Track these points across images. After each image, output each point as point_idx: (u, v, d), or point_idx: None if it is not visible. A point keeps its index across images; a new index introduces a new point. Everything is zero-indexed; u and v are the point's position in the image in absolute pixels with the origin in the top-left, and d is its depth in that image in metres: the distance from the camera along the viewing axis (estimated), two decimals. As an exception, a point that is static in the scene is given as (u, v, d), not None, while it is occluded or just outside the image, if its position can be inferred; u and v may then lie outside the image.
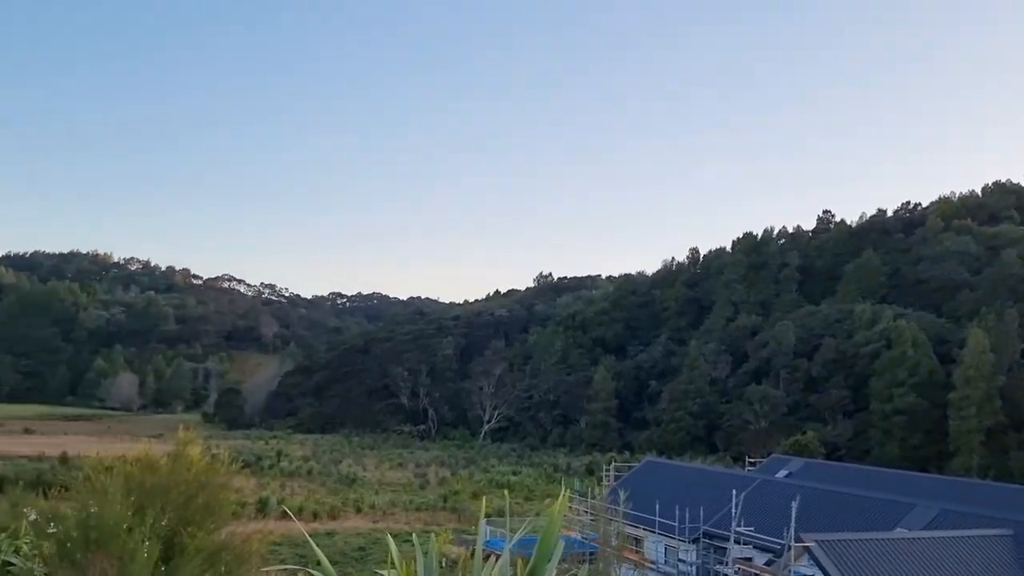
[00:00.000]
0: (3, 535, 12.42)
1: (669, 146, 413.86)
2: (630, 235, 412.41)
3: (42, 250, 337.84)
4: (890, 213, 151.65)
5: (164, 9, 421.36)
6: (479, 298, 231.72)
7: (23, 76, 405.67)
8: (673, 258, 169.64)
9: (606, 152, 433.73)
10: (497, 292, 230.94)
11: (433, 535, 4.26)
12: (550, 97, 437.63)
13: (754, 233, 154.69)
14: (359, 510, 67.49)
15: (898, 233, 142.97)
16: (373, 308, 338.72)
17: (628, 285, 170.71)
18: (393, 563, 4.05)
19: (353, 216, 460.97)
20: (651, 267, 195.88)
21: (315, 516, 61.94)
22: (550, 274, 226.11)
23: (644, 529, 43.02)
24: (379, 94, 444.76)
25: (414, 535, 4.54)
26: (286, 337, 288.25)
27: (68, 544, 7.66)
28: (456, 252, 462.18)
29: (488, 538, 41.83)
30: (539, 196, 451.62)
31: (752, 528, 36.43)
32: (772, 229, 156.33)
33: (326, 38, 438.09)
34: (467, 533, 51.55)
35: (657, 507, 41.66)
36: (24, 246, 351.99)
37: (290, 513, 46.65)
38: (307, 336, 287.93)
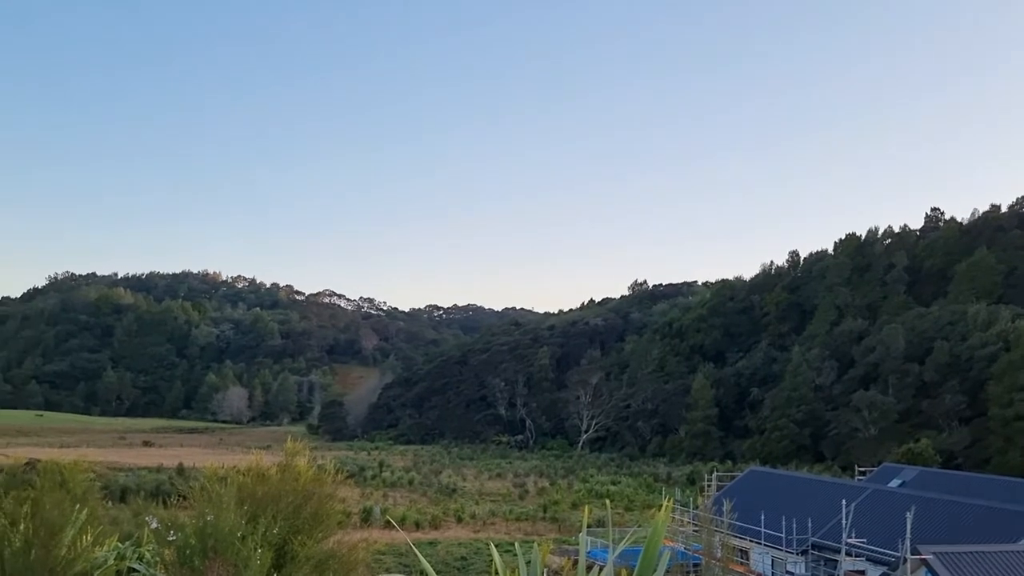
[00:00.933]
0: (128, 542, 13.11)
1: (763, 148, 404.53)
2: (726, 240, 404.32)
3: (157, 271, 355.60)
4: (1004, 208, 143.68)
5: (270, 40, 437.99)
6: (574, 307, 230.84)
7: (138, 111, 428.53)
8: (772, 262, 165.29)
9: (699, 157, 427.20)
10: (592, 301, 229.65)
11: (536, 544, 4.25)
12: (644, 102, 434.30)
13: (857, 234, 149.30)
14: (460, 520, 68.09)
15: (1014, 229, 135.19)
16: (469, 320, 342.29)
17: (726, 291, 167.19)
18: (497, 572, 4.07)
19: (448, 229, 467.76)
20: (749, 272, 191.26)
21: (417, 526, 62.79)
22: (645, 281, 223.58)
23: (750, 540, 41.91)
24: (473, 105, 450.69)
25: (516, 545, 4.55)
26: (385, 350, 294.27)
27: (187, 551, 8.01)
28: (550, 262, 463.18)
29: (589, 548, 41.58)
30: (632, 203, 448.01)
31: (864, 540, 35.02)
32: (876, 229, 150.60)
33: (427, 43, 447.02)
34: (567, 543, 51.37)
35: (763, 518, 40.53)
36: (140, 268, 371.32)
37: (395, 523, 47.38)
38: (406, 348, 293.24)
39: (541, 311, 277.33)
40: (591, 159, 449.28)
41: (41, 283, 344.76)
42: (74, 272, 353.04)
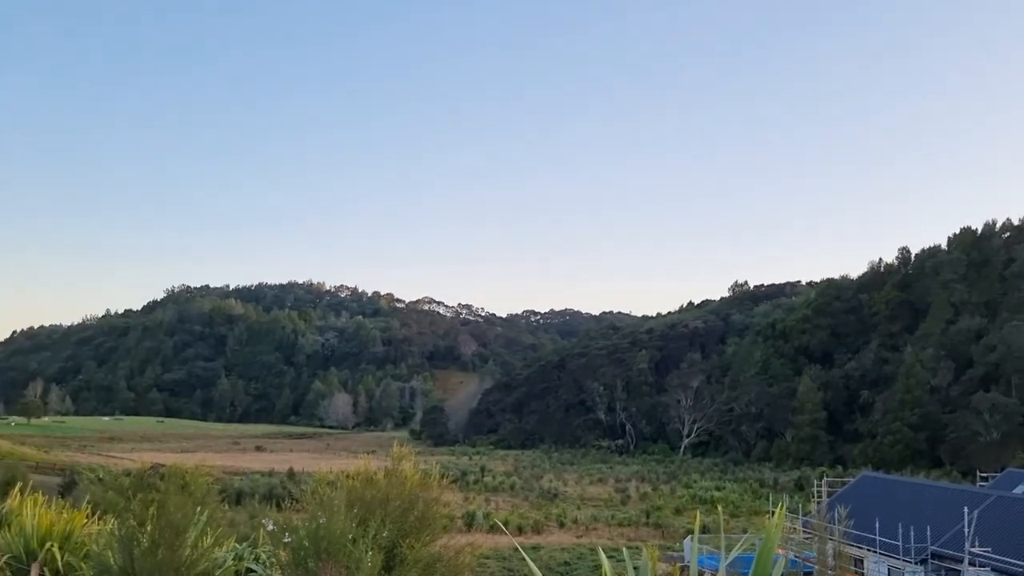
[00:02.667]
0: (245, 544, 13.63)
1: (867, 142, 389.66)
2: (830, 237, 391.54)
3: (265, 282, 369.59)
4: None
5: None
6: (672, 310, 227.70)
7: (242, 125, 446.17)
8: (880, 259, 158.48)
9: (798, 154, 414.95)
10: (691, 303, 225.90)
11: (645, 550, 4.20)
12: (741, 99, 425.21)
13: (973, 228, 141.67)
14: (562, 525, 67.95)
15: None
16: (566, 324, 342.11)
17: (831, 290, 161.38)
18: (606, 577, 4.04)
19: (543, 234, 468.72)
20: (855, 270, 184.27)
21: (520, 530, 62.98)
22: (745, 282, 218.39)
23: (867, 549, 40.32)
24: (571, 107, 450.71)
25: (624, 550, 4.51)
26: (484, 355, 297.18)
27: (301, 553, 8.27)
28: (647, 264, 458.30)
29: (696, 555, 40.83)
30: (730, 203, 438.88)
31: (988, 549, 33.18)
32: (994, 223, 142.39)
33: (536, 43, 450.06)
34: (671, 550, 50.56)
35: (878, 525, 38.93)
36: (250, 279, 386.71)
37: (503, 527, 47.64)
38: (504, 354, 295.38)
39: (639, 314, 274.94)
40: (687, 161, 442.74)
41: (160, 296, 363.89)
42: (189, 285, 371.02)
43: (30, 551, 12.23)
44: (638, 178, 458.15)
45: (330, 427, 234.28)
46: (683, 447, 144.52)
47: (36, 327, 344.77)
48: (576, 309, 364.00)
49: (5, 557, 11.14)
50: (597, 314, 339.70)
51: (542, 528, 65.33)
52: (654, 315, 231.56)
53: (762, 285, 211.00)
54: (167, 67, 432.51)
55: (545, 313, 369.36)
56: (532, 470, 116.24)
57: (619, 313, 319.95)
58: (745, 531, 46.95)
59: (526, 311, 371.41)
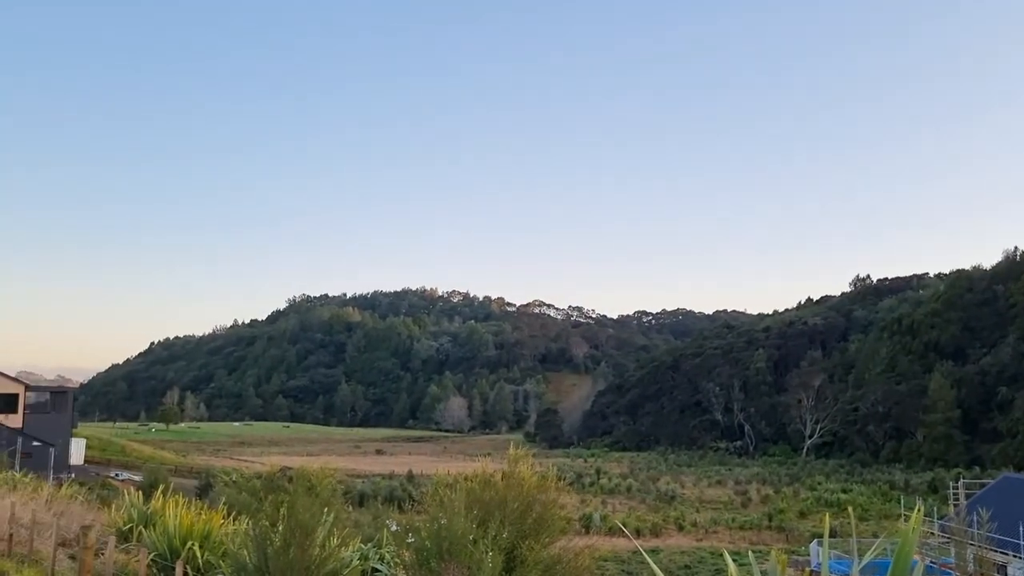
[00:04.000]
0: (369, 544, 14.06)
1: (996, 121, 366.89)
2: (958, 226, 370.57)
3: (381, 290, 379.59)
4: None
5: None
6: (790, 307, 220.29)
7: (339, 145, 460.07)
8: (1016, 247, 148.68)
9: (920, 139, 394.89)
10: (809, 300, 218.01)
11: (774, 553, 4.09)
12: (860, 83, 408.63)
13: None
14: (681, 528, 66.87)
15: None
16: (679, 324, 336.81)
17: (962, 282, 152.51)
18: (733, 581, 3.95)
19: (654, 233, 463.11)
20: (989, 259, 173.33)
21: (638, 533, 62.32)
22: (868, 276, 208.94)
23: (1011, 555, 37.91)
24: (680, 105, 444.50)
25: (750, 553, 4.40)
26: (596, 357, 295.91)
27: (424, 553, 8.45)
28: (762, 261, 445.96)
29: (822, 560, 39.39)
30: (849, 194, 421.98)
31: None
32: None
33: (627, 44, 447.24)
34: (796, 554, 48.91)
35: (1022, 529, 36.54)
36: (366, 287, 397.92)
37: (624, 530, 47.30)
38: (616, 355, 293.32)
39: (754, 312, 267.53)
40: (803, 152, 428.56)
41: (282, 306, 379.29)
42: (309, 294, 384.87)
43: (173, 549, 13.00)
44: (751, 172, 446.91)
45: (446, 430, 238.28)
46: (805, 448, 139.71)
47: (171, 338, 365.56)
48: (689, 308, 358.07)
49: (152, 555, 11.86)
50: (711, 313, 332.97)
51: (660, 531, 64.45)
52: (770, 313, 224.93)
53: (886, 279, 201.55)
54: (296, 80, 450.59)
55: (657, 313, 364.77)
56: (648, 472, 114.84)
57: (733, 312, 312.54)
58: (876, 535, 44.99)
59: (637, 312, 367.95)
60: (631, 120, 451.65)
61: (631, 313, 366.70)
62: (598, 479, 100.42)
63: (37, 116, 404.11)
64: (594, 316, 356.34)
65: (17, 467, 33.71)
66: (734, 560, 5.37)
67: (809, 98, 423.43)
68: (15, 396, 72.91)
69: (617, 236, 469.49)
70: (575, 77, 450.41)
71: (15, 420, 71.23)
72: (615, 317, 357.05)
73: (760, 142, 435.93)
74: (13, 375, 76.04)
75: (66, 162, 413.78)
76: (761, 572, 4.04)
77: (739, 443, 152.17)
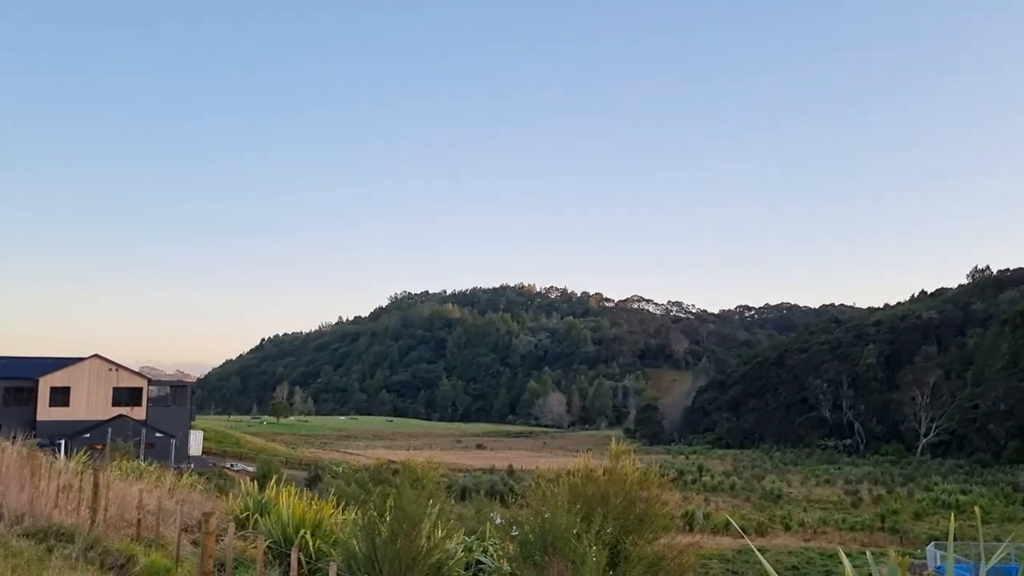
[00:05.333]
0: (473, 537, 14.27)
1: None
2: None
3: (479, 286, 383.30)
4: None
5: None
6: (902, 300, 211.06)
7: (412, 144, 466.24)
8: None
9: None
10: (923, 292, 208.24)
11: (893, 554, 3.95)
12: (982, 67, 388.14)
13: None
14: (788, 528, 65.11)
15: None
16: (783, 319, 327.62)
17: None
18: (849, 582, 3.84)
19: (756, 226, 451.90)
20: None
21: (742, 532, 61.06)
22: (987, 268, 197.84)
23: None
24: (788, 95, 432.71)
25: (867, 554, 4.26)
26: (697, 353, 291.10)
27: (528, 546, 8.53)
28: (870, 253, 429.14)
29: (939, 564, 37.71)
30: (966, 179, 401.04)
31: None
32: None
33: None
34: (913, 557, 46.92)
35: None
36: (465, 284, 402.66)
37: (737, 527, 46.45)
38: (718, 351, 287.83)
39: (864, 306, 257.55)
40: (916, 129, 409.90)
41: (384, 303, 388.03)
42: (411, 291, 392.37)
43: (287, 536, 13.54)
44: (858, 157, 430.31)
45: (545, 426, 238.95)
46: (920, 447, 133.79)
47: (280, 335, 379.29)
48: (793, 303, 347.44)
49: (268, 541, 12.39)
50: (817, 307, 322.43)
51: (766, 530, 62.94)
52: (881, 306, 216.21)
53: (1007, 270, 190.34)
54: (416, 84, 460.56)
55: (760, 307, 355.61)
56: (752, 470, 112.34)
57: (841, 305, 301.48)
58: (999, 539, 42.73)
59: (739, 306, 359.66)
60: (732, 110, 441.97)
61: (733, 307, 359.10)
62: (700, 476, 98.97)
63: (165, 115, 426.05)
64: (694, 311, 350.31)
65: (142, 457, 35.67)
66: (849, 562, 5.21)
67: (930, 81, 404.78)
68: (139, 390, 77.21)
69: (718, 229, 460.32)
70: (671, 72, 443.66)
71: (139, 413, 75.44)
72: (716, 312, 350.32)
73: (872, 124, 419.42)
74: (136, 370, 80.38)
75: (186, 164, 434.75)
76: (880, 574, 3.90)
77: (848, 441, 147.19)
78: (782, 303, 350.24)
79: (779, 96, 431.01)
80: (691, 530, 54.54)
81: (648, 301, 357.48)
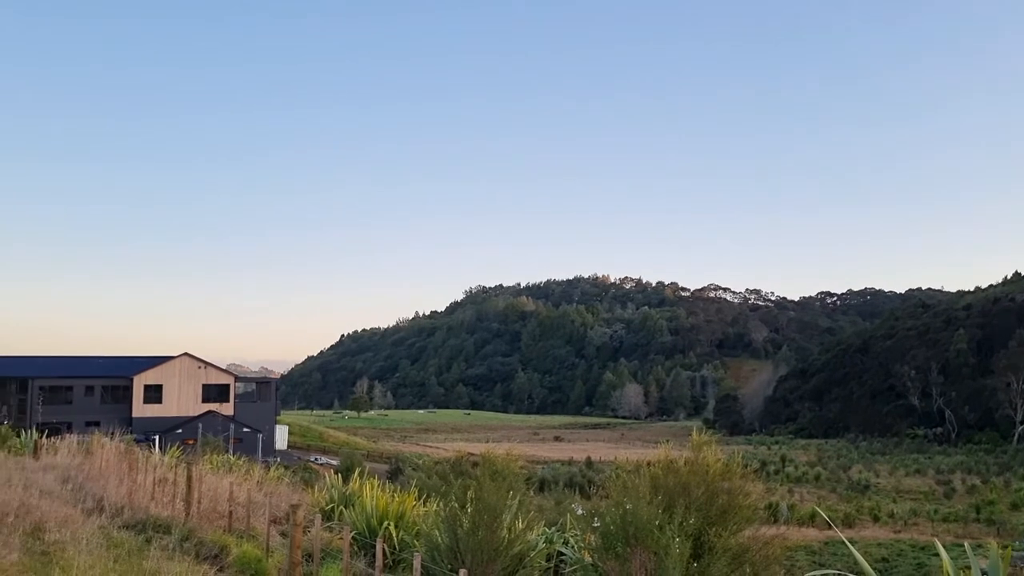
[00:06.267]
0: (553, 528, 14.30)
1: None
2: None
3: (553, 279, 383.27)
4: None
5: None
6: (994, 282, 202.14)
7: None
8: None
9: None
10: (1017, 274, 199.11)
11: (994, 545, 3.79)
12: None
13: None
14: (876, 519, 63.36)
15: None
16: (867, 304, 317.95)
17: None
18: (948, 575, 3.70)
19: (836, 210, 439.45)
20: None
21: (829, 524, 59.67)
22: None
23: None
24: (872, 80, 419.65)
25: (966, 545, 4.11)
26: (777, 341, 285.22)
27: (610, 537, 8.49)
28: (960, 233, 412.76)
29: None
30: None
31: None
32: None
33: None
34: (1012, 548, 45.04)
35: None
36: (538, 277, 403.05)
37: (827, 519, 45.48)
38: (798, 339, 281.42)
39: (952, 289, 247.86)
40: (1009, 105, 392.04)
41: (459, 297, 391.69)
42: (485, 285, 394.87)
43: (371, 528, 13.82)
44: (942, 138, 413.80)
45: (623, 417, 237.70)
46: (1016, 435, 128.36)
47: (359, 331, 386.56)
48: (877, 288, 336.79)
49: (353, 532, 12.66)
50: (902, 292, 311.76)
51: (853, 522, 61.38)
52: (971, 290, 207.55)
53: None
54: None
55: (842, 294, 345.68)
56: (838, 460, 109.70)
57: (928, 290, 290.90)
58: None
59: (821, 293, 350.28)
60: (815, 95, 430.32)
61: (814, 294, 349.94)
62: (783, 467, 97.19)
63: (251, 109, 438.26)
64: (773, 299, 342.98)
65: (230, 451, 36.88)
66: (937, 555, 5.01)
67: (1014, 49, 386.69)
68: (227, 387, 79.84)
69: (795, 214, 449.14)
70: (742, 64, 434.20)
71: (227, 408, 78.01)
72: (796, 299, 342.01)
73: (961, 105, 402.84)
74: (223, 367, 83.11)
75: (262, 165, 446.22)
76: (981, 570, 3.72)
77: (939, 430, 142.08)
78: (865, 288, 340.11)
79: (861, 78, 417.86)
80: (775, 522, 53.49)
81: (725, 289, 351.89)
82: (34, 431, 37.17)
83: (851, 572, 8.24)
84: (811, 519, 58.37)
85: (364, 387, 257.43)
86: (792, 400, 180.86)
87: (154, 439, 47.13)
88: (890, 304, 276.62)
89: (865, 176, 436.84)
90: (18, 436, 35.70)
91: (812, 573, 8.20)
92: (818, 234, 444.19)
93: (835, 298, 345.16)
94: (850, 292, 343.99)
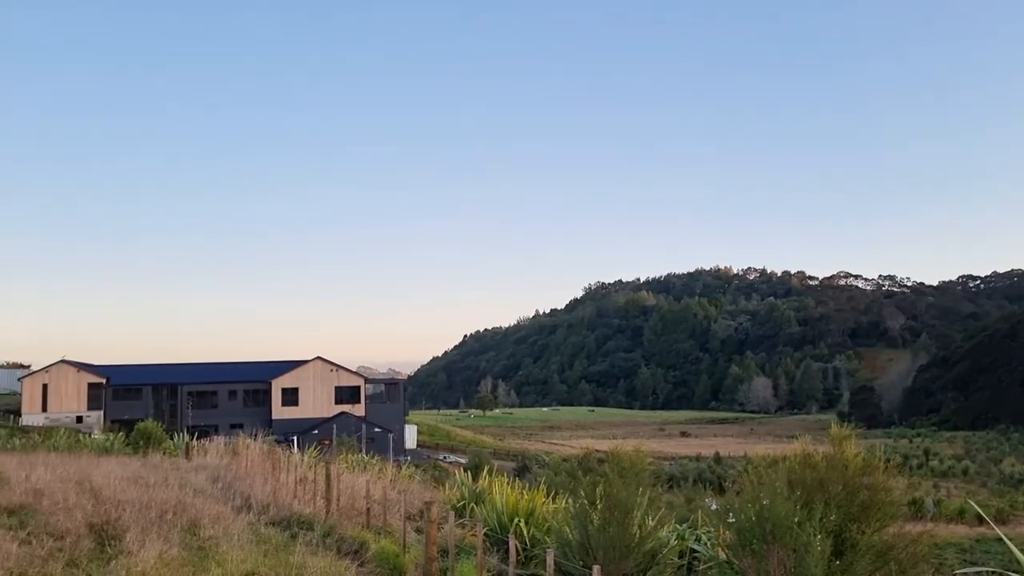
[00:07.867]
0: (684, 525, 14.12)
1: None
2: None
3: (673, 272, 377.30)
4: None
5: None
6: None
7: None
8: None
9: None
10: None
11: None
12: None
13: None
14: (1033, 516, 59.27)
15: None
16: (1014, 287, 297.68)
17: None
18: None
19: (974, 191, 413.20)
20: None
21: (979, 520, 56.22)
22: None
23: None
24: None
25: None
26: (915, 329, 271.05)
27: (745, 534, 8.31)
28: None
29: None
30: None
31: None
32: None
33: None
34: None
35: None
36: (659, 270, 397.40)
37: (982, 514, 42.99)
38: (939, 326, 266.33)
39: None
40: None
41: (579, 294, 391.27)
42: (604, 281, 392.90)
43: (502, 524, 14.04)
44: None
45: (751, 411, 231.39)
46: None
47: (481, 330, 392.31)
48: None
49: (485, 529, 12.88)
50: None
51: (1007, 517, 57.55)
52: None
53: None
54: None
55: (986, 276, 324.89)
56: (987, 453, 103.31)
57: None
58: None
59: (962, 276, 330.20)
60: (943, 75, 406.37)
61: (954, 278, 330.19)
62: (927, 461, 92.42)
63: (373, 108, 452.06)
64: (909, 284, 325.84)
65: (364, 450, 38.20)
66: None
67: None
68: (357, 388, 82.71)
69: (933, 195, 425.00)
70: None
71: (359, 409, 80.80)
72: (935, 284, 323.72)
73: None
74: (354, 370, 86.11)
75: (375, 174, 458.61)
76: None
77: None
78: (1012, 270, 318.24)
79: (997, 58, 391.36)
80: (920, 518, 50.87)
81: (856, 277, 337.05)
82: (185, 434, 39.70)
83: (1008, 571, 7.76)
84: (959, 515, 55.14)
85: (488, 386, 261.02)
86: (934, 390, 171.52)
87: (292, 440, 49.33)
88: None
89: (1003, 151, 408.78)
90: (171, 439, 38.22)
91: (965, 570, 7.73)
92: (957, 214, 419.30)
93: (978, 281, 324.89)
94: (995, 274, 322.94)
